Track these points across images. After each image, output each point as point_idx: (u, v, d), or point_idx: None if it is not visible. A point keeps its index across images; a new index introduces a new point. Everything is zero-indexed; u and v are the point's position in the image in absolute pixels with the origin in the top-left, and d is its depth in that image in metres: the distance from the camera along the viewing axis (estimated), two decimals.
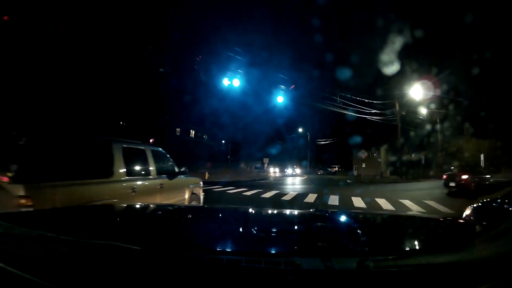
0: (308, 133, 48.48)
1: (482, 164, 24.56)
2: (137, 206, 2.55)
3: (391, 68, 24.70)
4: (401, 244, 1.33)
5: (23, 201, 2.77)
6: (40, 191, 2.91)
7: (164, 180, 4.88)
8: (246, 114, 52.06)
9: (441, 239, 1.46)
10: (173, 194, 5.18)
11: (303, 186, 19.53)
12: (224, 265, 0.95)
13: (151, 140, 27.10)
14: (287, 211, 2.50)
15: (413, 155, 28.01)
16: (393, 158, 36.16)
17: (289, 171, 48.11)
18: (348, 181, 26.24)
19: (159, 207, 2.82)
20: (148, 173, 4.61)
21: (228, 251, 1.09)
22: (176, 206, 3.18)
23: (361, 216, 2.43)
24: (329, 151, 53.00)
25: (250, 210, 2.01)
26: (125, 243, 1.03)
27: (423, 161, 22.95)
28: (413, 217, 2.49)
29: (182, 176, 5.59)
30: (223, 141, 55.85)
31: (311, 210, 2.32)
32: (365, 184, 21.27)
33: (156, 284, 0.90)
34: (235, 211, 2.42)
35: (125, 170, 4.01)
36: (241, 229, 1.64)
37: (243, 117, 52.32)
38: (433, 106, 27.02)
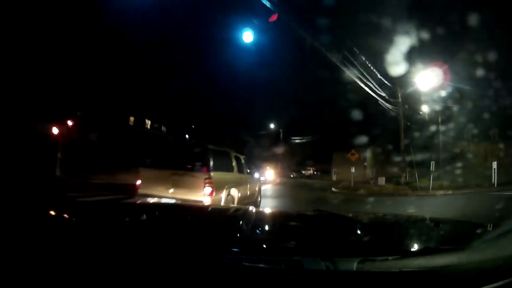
0: (281, 130, 42.18)
1: (494, 173, 19.43)
2: (137, 206, 2.59)
3: (393, 50, 19.07)
4: (402, 245, 1.35)
5: (207, 181, 5.36)
6: (213, 175, 5.53)
7: (248, 175, 8.07)
8: (210, 102, 44.60)
9: (442, 239, 1.56)
10: (252, 185, 8.33)
11: (276, 202, 13.25)
12: (225, 264, 0.95)
13: (69, 123, 20.08)
14: (287, 211, 2.63)
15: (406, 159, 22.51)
16: (380, 161, 30.73)
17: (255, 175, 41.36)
18: (334, 189, 20.15)
19: (158, 206, 2.85)
20: (243, 171, 7.55)
21: (228, 251, 1.07)
22: (175, 205, 3.50)
23: (362, 216, 2.49)
24: (304, 151, 47.13)
25: (251, 209, 2.11)
26: (125, 244, 1.05)
27: (432, 167, 17.21)
28: (414, 218, 2.57)
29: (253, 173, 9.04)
30: (187, 136, 48.86)
31: (311, 210, 2.35)
32: (367, 197, 15.07)
33: (157, 284, 0.89)
34: (236, 211, 2.49)
35: (236, 167, 7.06)
36: (241, 229, 1.66)
37: (206, 107, 44.93)
38: (440, 101, 21.71)
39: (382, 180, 21.10)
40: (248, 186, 7.80)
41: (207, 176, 5.44)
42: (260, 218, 2.01)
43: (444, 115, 22.70)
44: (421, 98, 21.29)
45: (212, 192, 5.41)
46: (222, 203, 5.73)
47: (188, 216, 2.10)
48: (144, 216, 1.95)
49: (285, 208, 11.01)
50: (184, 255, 0.99)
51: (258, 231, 1.62)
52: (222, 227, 1.71)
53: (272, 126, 40.85)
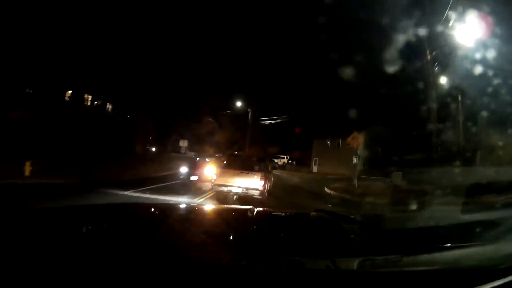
0: (249, 110, 34.83)
1: None
2: (134, 206, 2.54)
3: None
4: (403, 244, 1.33)
5: (261, 177, 8.75)
6: (264, 174, 9.25)
7: (271, 171, 12.15)
8: (166, 81, 35.66)
9: (443, 239, 1.51)
10: (271, 177, 11.92)
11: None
12: (225, 265, 0.95)
13: None
14: (288, 212, 2.64)
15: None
16: (376, 150, 24.33)
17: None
18: (329, 192, 13.30)
19: (157, 207, 2.78)
20: (269, 169, 11.58)
21: (229, 251, 1.08)
22: (175, 206, 3.41)
23: (363, 216, 2.53)
24: (277, 136, 39.95)
25: (251, 210, 1.98)
26: (124, 245, 1.06)
27: (477, 159, 10.70)
28: (414, 218, 2.47)
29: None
30: (144, 119, 39.94)
31: (312, 210, 2.38)
32: (400, 213, 8.07)
33: (155, 285, 0.87)
34: (236, 211, 2.43)
35: (269, 167, 11.23)
36: (242, 229, 1.65)
37: (161, 86, 36.02)
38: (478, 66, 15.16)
39: (397, 177, 14.16)
40: (271, 178, 11.53)
41: (262, 174, 8.95)
42: (260, 218, 1.97)
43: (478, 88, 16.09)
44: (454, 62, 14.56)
45: (264, 184, 8.92)
46: (265, 191, 9.25)
47: (189, 217, 2.09)
48: (147, 218, 1.86)
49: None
50: (185, 255, 0.98)
51: (258, 231, 1.60)
52: (223, 228, 1.70)
53: (238, 104, 33.25)
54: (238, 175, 8.77)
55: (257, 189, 8.63)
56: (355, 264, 0.91)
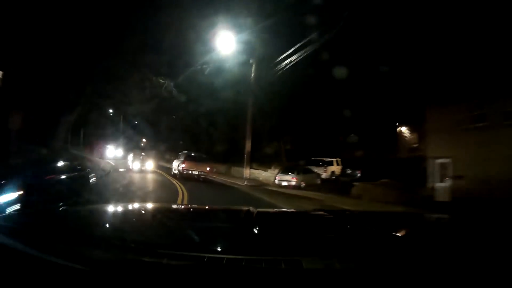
0: (252, 60, 17.37)
1: None
2: (134, 207, 2.59)
3: None
4: (403, 244, 1.32)
5: (208, 166, 18.55)
6: (209, 163, 19.25)
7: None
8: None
9: (439, 238, 1.46)
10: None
11: None
12: (224, 265, 0.95)
13: None
14: (287, 211, 2.62)
15: None
16: None
17: None
18: None
19: (157, 207, 2.88)
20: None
21: (228, 251, 1.07)
22: (175, 206, 3.58)
23: (363, 215, 2.49)
24: (320, 112, 20.24)
25: (250, 210, 1.93)
26: (122, 241, 1.08)
27: None
28: (413, 216, 2.57)
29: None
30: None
31: (312, 209, 2.43)
32: None
33: (154, 283, 0.88)
34: (235, 211, 2.42)
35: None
36: (241, 229, 1.61)
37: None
38: None
39: None
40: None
41: (209, 164, 18.15)
42: (259, 218, 1.90)
43: None
44: None
45: (211, 170, 18.09)
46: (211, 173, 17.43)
47: (187, 216, 2.14)
48: (147, 217, 1.96)
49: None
50: (184, 255, 0.99)
51: (258, 231, 1.53)
52: (222, 227, 1.70)
53: (223, 47, 15.55)
54: (196, 163, 16.94)
55: (206, 172, 17.04)
56: (355, 263, 0.94)
